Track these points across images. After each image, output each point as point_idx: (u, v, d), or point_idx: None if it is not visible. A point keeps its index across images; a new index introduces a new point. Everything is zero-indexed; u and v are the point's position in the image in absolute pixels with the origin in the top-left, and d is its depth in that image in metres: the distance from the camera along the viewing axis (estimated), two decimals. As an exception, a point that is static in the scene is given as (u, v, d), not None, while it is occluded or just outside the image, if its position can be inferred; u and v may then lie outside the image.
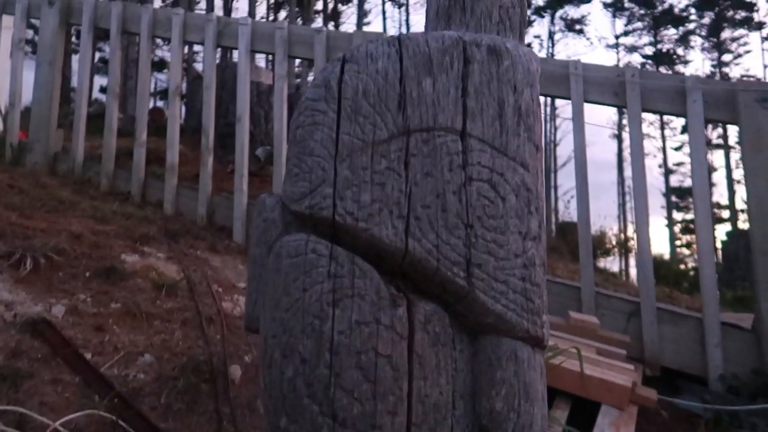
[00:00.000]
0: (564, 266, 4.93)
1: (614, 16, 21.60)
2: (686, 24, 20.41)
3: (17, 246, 2.39)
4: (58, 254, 2.48)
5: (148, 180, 3.62)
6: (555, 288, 2.69)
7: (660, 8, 20.25)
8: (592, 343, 2.40)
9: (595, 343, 2.37)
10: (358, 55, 0.58)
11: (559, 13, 20.90)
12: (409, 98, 0.58)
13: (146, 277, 2.47)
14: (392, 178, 0.56)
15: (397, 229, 0.55)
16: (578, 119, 2.58)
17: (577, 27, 21.12)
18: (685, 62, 20.80)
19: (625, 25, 21.46)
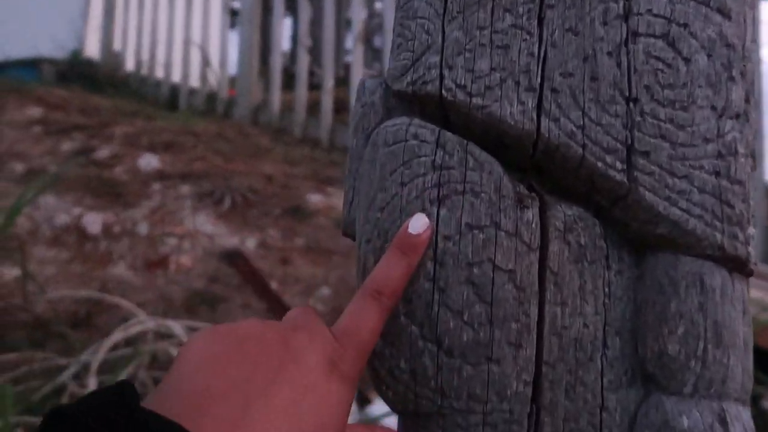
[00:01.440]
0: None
1: None
2: None
3: (219, 186, 2.64)
4: (253, 193, 2.69)
5: (336, 126, 3.76)
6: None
7: None
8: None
9: None
10: None
11: None
12: (547, -72, 0.42)
13: (328, 216, 2.57)
14: (520, 39, 0.42)
15: (525, 106, 0.41)
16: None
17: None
18: None
19: None
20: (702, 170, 0.40)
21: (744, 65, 0.42)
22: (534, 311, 0.40)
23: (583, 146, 0.40)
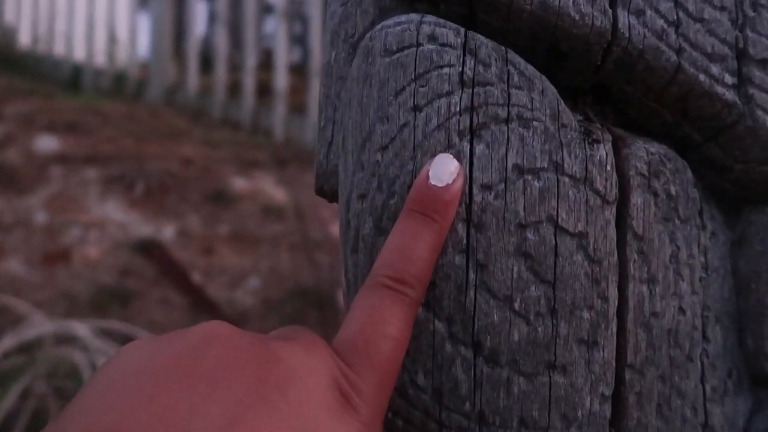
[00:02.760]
0: None
1: None
2: None
3: (131, 169, 2.39)
4: (169, 178, 2.45)
5: (260, 109, 3.56)
6: None
7: None
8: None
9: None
10: None
11: None
12: None
13: (254, 201, 2.38)
14: None
15: (594, -7, 0.28)
16: None
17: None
18: None
19: None
20: (836, 87, 0.29)
21: None
22: (613, 292, 0.28)
23: (678, 51, 0.28)
